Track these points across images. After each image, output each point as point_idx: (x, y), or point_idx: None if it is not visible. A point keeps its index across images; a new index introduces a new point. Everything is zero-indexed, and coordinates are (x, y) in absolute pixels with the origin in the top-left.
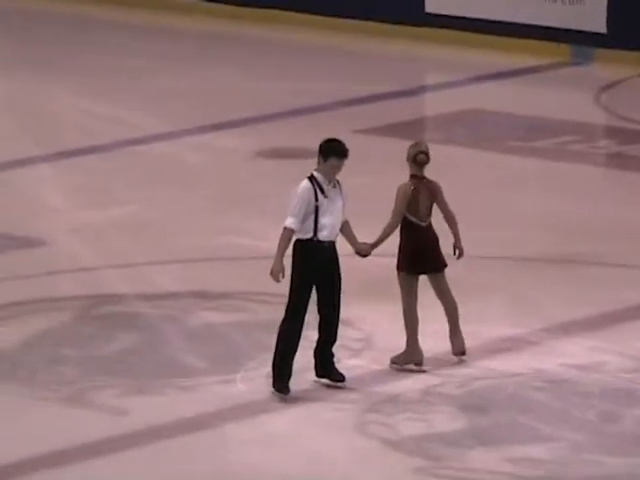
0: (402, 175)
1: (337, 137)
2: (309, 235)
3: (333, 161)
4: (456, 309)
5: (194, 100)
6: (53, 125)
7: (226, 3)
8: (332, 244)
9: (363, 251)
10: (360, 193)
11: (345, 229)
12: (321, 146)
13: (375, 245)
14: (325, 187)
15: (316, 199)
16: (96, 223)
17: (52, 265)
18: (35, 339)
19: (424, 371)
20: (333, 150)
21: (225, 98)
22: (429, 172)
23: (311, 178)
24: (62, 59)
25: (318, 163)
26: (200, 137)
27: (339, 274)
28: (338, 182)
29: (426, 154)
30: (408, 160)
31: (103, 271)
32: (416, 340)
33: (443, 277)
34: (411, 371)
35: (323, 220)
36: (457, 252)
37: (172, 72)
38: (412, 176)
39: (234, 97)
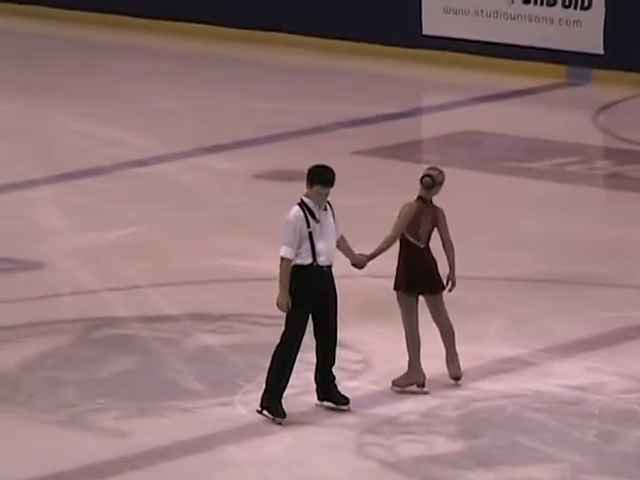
0: (398, 196)
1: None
2: (309, 261)
3: (318, 188)
4: (452, 333)
5: (192, 122)
6: (52, 148)
7: (224, 25)
8: (329, 268)
9: (359, 263)
10: (355, 214)
11: (342, 244)
12: (309, 171)
13: (371, 257)
14: (316, 212)
15: (308, 225)
16: (95, 245)
17: (51, 288)
18: (35, 362)
19: (426, 392)
20: (318, 178)
21: (223, 120)
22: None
23: (301, 204)
24: (62, 82)
25: (306, 188)
26: (198, 159)
27: (336, 297)
28: (329, 203)
29: (432, 177)
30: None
31: (102, 294)
32: (418, 361)
33: (440, 300)
34: (413, 393)
35: (319, 245)
36: (449, 283)
37: (171, 94)
38: (419, 197)
39: (231, 119)
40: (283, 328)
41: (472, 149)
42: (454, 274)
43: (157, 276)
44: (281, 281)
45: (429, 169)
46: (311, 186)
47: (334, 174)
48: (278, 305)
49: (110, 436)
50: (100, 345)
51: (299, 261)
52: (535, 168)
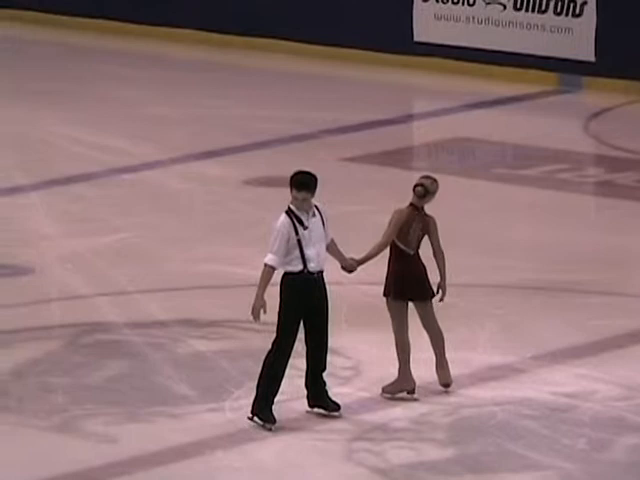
0: (388, 203)
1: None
2: (299, 268)
3: (294, 193)
4: (442, 339)
5: (183, 128)
6: (42, 153)
7: (215, 32)
8: (321, 274)
9: (349, 266)
10: (346, 221)
11: (331, 247)
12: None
13: (362, 262)
14: (304, 219)
15: (296, 233)
16: (85, 251)
17: (41, 293)
18: (24, 367)
19: (416, 399)
20: (292, 182)
21: (213, 126)
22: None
23: (288, 212)
24: (52, 87)
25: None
26: (188, 165)
27: (327, 303)
28: (318, 208)
29: (425, 187)
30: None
31: (92, 299)
32: (408, 368)
33: (430, 306)
34: (403, 399)
35: (309, 252)
36: (440, 292)
37: (161, 101)
38: (410, 204)
39: (222, 125)
40: (274, 334)
41: (463, 156)
42: (445, 282)
43: (147, 282)
44: (260, 285)
45: (423, 178)
46: (290, 191)
47: (312, 178)
48: (252, 310)
49: (99, 441)
50: (90, 350)
51: (290, 268)
52: (526, 175)
